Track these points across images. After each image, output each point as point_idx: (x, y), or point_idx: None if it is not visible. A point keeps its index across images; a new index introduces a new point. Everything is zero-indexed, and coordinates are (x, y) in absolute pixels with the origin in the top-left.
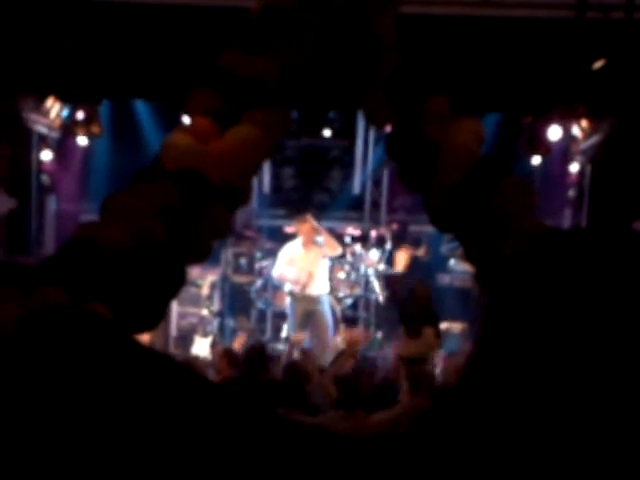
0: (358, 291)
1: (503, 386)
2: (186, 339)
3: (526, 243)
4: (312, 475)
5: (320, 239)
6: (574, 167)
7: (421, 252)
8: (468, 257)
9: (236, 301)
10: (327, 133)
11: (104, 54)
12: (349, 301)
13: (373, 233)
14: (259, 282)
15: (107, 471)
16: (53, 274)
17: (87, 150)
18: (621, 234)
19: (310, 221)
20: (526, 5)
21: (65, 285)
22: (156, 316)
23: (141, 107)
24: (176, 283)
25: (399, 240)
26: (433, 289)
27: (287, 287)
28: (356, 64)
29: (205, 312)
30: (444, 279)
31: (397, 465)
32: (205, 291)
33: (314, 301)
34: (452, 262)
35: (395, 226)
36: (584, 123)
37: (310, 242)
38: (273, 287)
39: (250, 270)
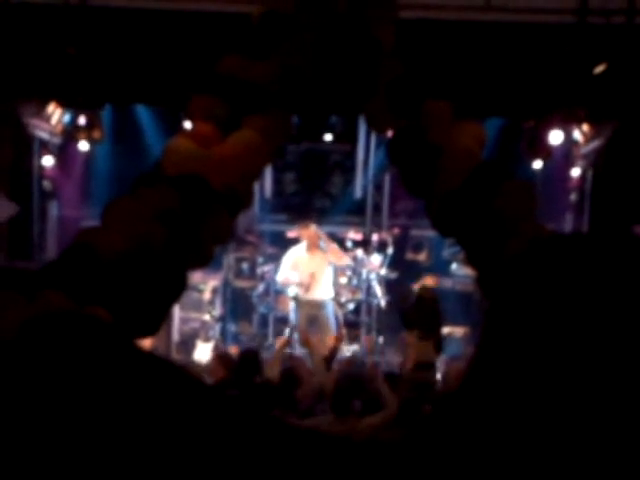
0: (360, 296)
1: (505, 391)
2: (188, 344)
3: (527, 247)
4: (310, 477)
5: (323, 244)
6: (575, 171)
7: (423, 257)
8: (470, 261)
9: (238, 306)
10: (328, 138)
11: (105, 59)
12: (351, 306)
13: (375, 238)
14: (261, 287)
15: (106, 474)
16: (54, 279)
17: (89, 155)
18: (622, 238)
19: (313, 228)
20: (527, 10)
21: (66, 290)
22: (157, 321)
23: (142, 112)
24: (177, 288)
25: (401, 245)
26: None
27: (291, 292)
28: (357, 69)
29: (207, 317)
30: (446, 283)
31: (397, 469)
32: (207, 296)
33: (318, 306)
34: (454, 266)
35: (397, 230)
36: (585, 127)
37: (314, 247)
38: (275, 292)
39: (252, 275)
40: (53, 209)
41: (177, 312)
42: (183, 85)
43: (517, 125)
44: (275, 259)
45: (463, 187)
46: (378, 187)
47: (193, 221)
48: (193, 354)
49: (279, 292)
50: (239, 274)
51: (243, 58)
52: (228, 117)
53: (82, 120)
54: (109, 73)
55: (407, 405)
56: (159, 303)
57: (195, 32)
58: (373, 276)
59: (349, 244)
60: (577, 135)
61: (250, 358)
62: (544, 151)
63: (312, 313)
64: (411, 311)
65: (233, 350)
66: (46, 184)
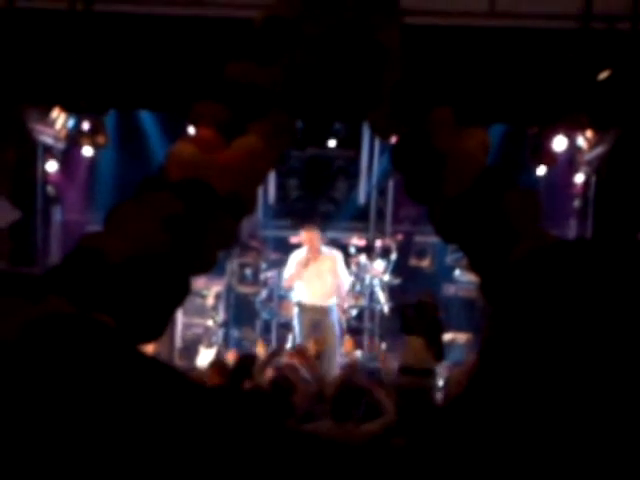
0: (363, 302)
1: (509, 396)
2: (191, 350)
3: (531, 253)
4: None
5: (326, 249)
6: (579, 177)
7: (426, 263)
8: (473, 267)
9: (241, 312)
10: (332, 143)
11: (110, 65)
12: (354, 312)
13: (378, 243)
14: (264, 292)
15: (107, 476)
16: (57, 284)
17: (92, 161)
18: (626, 244)
19: (316, 233)
20: (531, 16)
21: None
22: (160, 326)
23: (146, 118)
24: (180, 293)
25: (404, 251)
26: (438, 299)
27: (294, 297)
28: (362, 75)
29: (210, 323)
30: (449, 289)
31: (401, 475)
32: (210, 302)
33: (321, 311)
34: (457, 272)
35: (400, 236)
36: (589, 134)
37: (316, 252)
38: (278, 297)
39: (255, 281)
40: (57, 214)
41: (180, 317)
42: (187, 91)
43: (521, 131)
44: (278, 265)
45: (467, 193)
46: (382, 193)
47: (196, 226)
48: (196, 360)
49: (282, 298)
50: (242, 280)
51: (247, 63)
52: (232, 123)
53: (86, 125)
54: (113, 78)
55: (405, 412)
56: (162, 308)
57: (199, 38)
58: (376, 282)
59: (352, 250)
60: (581, 141)
61: (244, 364)
62: (548, 157)
63: (316, 318)
64: (412, 317)
65: (231, 355)
66: (50, 189)
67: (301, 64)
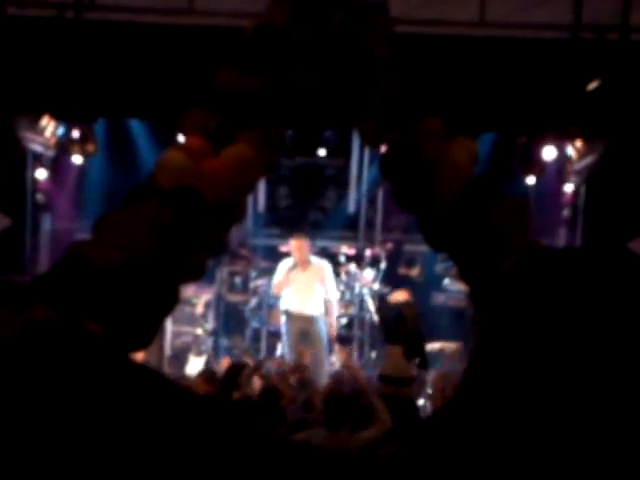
0: (352, 310)
1: (499, 406)
2: (180, 358)
3: (520, 262)
4: None
5: (315, 259)
6: (568, 187)
7: (415, 272)
8: (462, 276)
9: (231, 320)
10: (322, 152)
11: (99, 73)
12: (343, 320)
13: (368, 252)
14: (254, 301)
15: None
16: (45, 292)
17: (82, 169)
18: (616, 254)
19: (305, 242)
20: (521, 26)
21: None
22: (149, 335)
23: (136, 126)
24: (169, 302)
25: (394, 260)
26: (428, 308)
27: (282, 305)
28: (352, 83)
29: (199, 331)
30: (439, 298)
31: None
32: (200, 310)
33: (309, 320)
34: (447, 281)
35: (390, 245)
36: (578, 144)
37: (305, 261)
38: (268, 306)
39: (245, 289)
40: (46, 222)
41: (169, 326)
42: (177, 99)
43: (510, 141)
44: (268, 273)
45: (456, 202)
46: (371, 202)
47: (186, 235)
48: (185, 368)
49: (272, 306)
50: (232, 288)
51: (237, 72)
52: (222, 131)
53: (76, 133)
54: (103, 87)
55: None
56: (151, 317)
57: (189, 46)
58: (366, 291)
59: (342, 259)
60: (570, 151)
61: (232, 374)
62: (537, 167)
63: (304, 327)
64: (394, 326)
65: (224, 362)
66: (39, 197)
67: (291, 72)
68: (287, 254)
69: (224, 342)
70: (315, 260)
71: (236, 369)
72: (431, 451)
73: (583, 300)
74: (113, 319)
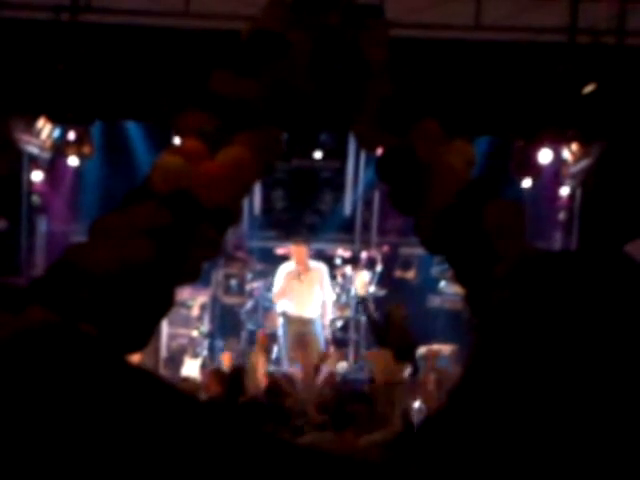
0: (348, 313)
1: (494, 408)
2: (176, 360)
3: (516, 265)
4: None
5: (313, 262)
6: (564, 190)
7: (411, 274)
8: (458, 279)
9: (226, 322)
10: (318, 155)
11: (95, 75)
12: (339, 323)
13: (363, 255)
14: (249, 303)
15: None
16: (41, 295)
17: (78, 171)
18: (612, 257)
19: (303, 247)
20: (517, 29)
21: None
22: (145, 336)
23: (132, 128)
24: (165, 304)
25: (390, 262)
26: (423, 311)
27: (279, 308)
28: (348, 87)
29: (195, 333)
30: (434, 301)
31: None
32: (195, 312)
33: (306, 323)
34: (442, 284)
35: (386, 248)
36: (574, 147)
37: (304, 265)
38: (263, 308)
39: (240, 291)
40: (42, 224)
41: (165, 328)
42: (172, 101)
43: (506, 144)
44: (264, 275)
45: (452, 206)
46: (367, 204)
47: (182, 237)
48: (181, 370)
49: (267, 309)
50: (228, 290)
51: (233, 75)
52: (218, 133)
53: (72, 135)
54: (99, 89)
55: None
56: (147, 319)
57: (185, 49)
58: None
59: (338, 261)
60: (566, 154)
61: (237, 378)
62: (533, 170)
63: (300, 330)
64: (382, 328)
65: (225, 357)
66: (35, 199)
67: (287, 75)
68: (283, 257)
69: (220, 344)
70: (314, 263)
71: (239, 373)
72: (426, 455)
73: (579, 303)
74: (109, 321)
